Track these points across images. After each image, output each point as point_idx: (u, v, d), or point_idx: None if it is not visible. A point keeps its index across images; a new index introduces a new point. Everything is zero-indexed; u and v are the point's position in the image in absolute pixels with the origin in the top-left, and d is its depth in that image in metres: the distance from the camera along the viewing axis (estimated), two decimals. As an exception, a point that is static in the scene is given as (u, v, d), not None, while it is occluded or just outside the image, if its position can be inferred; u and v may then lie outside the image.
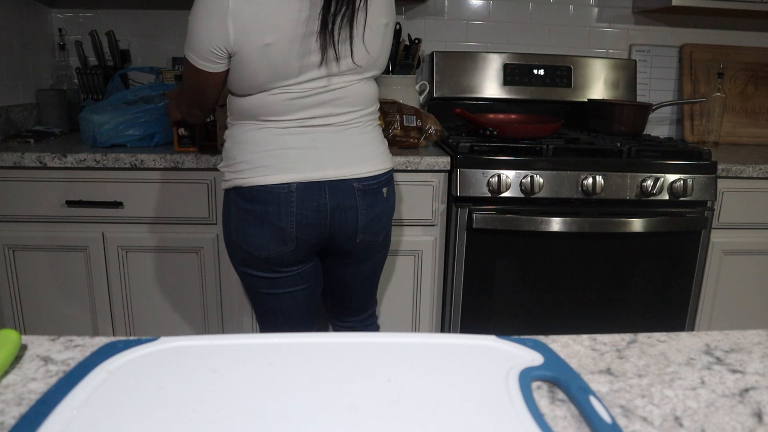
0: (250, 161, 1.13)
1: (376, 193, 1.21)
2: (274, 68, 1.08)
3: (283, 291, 1.25)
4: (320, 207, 1.14)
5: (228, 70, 1.12)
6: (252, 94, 1.12)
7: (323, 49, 1.09)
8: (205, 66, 1.10)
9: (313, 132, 1.14)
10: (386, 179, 1.23)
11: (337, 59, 1.11)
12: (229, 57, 1.09)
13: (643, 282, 1.65)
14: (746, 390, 0.48)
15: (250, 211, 1.14)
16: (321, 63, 1.10)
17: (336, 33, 1.08)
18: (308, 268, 1.24)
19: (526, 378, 0.47)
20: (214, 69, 1.11)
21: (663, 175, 1.57)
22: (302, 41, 1.07)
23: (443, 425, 0.41)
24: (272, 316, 1.29)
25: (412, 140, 1.65)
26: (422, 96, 1.96)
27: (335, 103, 1.14)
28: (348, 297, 1.37)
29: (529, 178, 1.52)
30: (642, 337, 0.57)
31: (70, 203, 1.52)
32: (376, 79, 1.27)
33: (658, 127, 2.23)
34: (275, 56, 1.07)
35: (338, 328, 1.45)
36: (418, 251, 1.62)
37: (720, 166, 1.62)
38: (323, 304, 1.46)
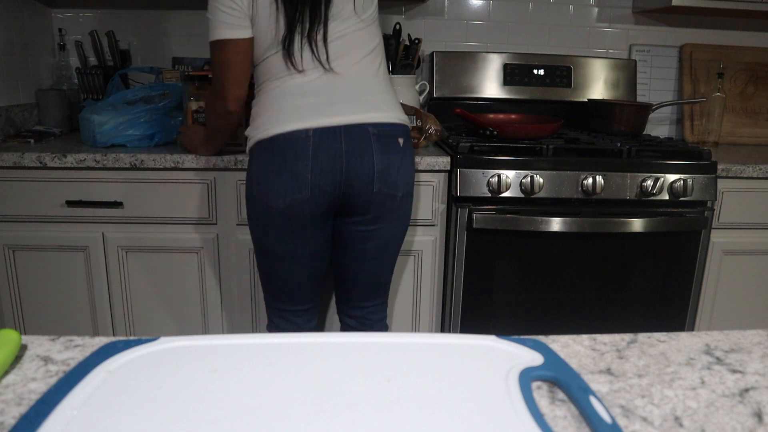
0: (270, 117, 1.19)
1: (392, 140, 1.22)
2: (269, 26, 1.17)
3: (293, 257, 1.27)
4: (336, 151, 1.17)
5: (251, 43, 1.20)
6: (267, 55, 1.20)
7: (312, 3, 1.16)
8: (226, 32, 1.18)
9: (327, 79, 1.20)
10: (401, 130, 1.24)
11: (328, 5, 1.18)
12: (250, 19, 1.18)
13: (643, 282, 1.65)
14: (746, 390, 0.48)
15: (270, 161, 1.18)
16: (315, 10, 1.17)
17: None
18: (320, 236, 1.26)
19: (526, 378, 0.47)
20: (236, 34, 1.18)
21: (663, 175, 1.57)
22: None
23: (443, 425, 0.41)
24: (279, 289, 1.32)
25: (412, 140, 1.65)
26: (422, 96, 1.96)
27: (343, 48, 1.20)
28: (361, 271, 1.34)
29: (529, 178, 1.52)
30: (642, 337, 0.57)
31: (70, 203, 1.52)
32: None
33: (658, 127, 2.23)
34: (267, 13, 1.16)
35: (347, 319, 1.43)
36: (418, 251, 1.62)
37: (720, 166, 1.62)
38: (334, 294, 1.46)
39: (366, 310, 1.40)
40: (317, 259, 1.30)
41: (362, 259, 1.32)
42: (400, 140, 1.23)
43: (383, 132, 1.21)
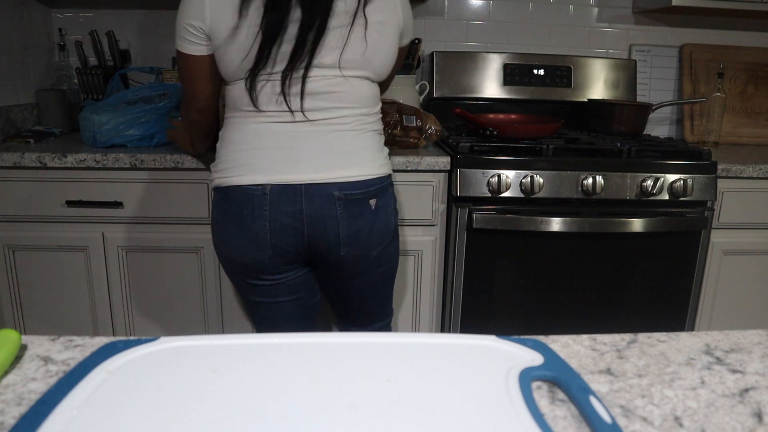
0: (230, 160, 1.10)
1: (361, 203, 1.10)
2: (246, 53, 1.05)
3: (271, 300, 1.19)
4: (296, 213, 1.07)
5: (212, 60, 1.10)
6: (236, 81, 1.09)
7: (298, 39, 1.04)
8: (185, 47, 1.10)
9: (295, 129, 1.07)
10: (376, 189, 1.11)
11: (314, 50, 1.04)
12: (208, 38, 1.08)
13: (643, 282, 1.65)
14: (746, 390, 0.48)
15: (228, 212, 1.10)
16: (295, 52, 1.04)
17: (314, 22, 1.03)
18: (295, 277, 1.18)
19: (526, 378, 0.47)
20: (193, 50, 1.10)
21: (663, 175, 1.57)
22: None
23: (443, 425, 0.41)
24: (266, 324, 1.24)
25: (412, 140, 1.65)
26: (422, 96, 1.96)
27: (317, 97, 1.07)
28: (351, 308, 1.28)
29: (529, 178, 1.52)
30: (642, 337, 0.57)
31: (70, 203, 1.52)
32: (381, 86, 1.21)
33: (658, 127, 2.23)
34: (248, 40, 1.04)
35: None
36: (418, 251, 1.62)
37: (720, 166, 1.62)
38: (331, 311, 1.45)
39: (366, 329, 1.35)
40: (300, 293, 1.22)
41: (347, 300, 1.25)
42: (372, 201, 1.11)
43: (350, 195, 1.08)
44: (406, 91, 1.84)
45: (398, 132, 1.63)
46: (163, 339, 0.52)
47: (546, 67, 2.07)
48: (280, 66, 1.06)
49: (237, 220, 1.09)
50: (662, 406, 0.46)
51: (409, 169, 1.54)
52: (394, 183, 1.55)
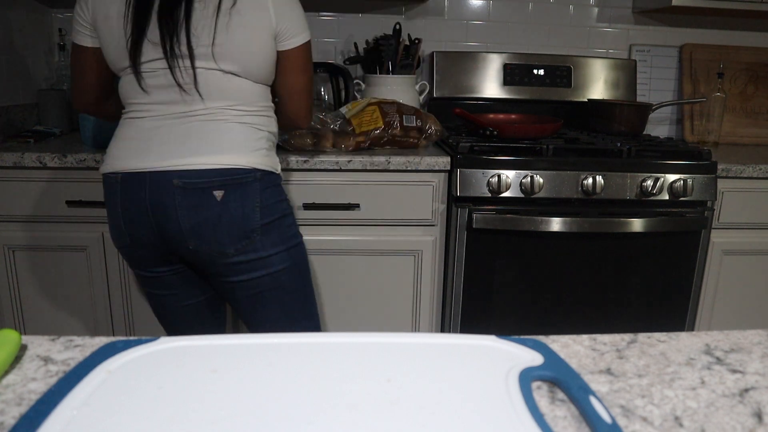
0: (107, 150, 1.13)
1: (204, 194, 1.05)
2: (117, 44, 1.06)
3: (153, 292, 1.20)
4: (142, 202, 1.06)
5: (98, 54, 1.12)
6: (119, 76, 1.12)
7: (160, 29, 1.04)
8: (75, 37, 1.12)
9: (157, 121, 1.08)
10: (222, 180, 1.05)
11: (174, 42, 1.04)
12: (93, 29, 1.10)
13: (643, 282, 1.65)
14: (746, 390, 0.48)
15: (105, 199, 1.13)
16: (160, 44, 1.04)
17: (176, 13, 1.03)
18: (170, 274, 1.18)
19: (526, 378, 0.47)
20: (80, 41, 1.12)
21: (663, 175, 1.57)
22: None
23: (443, 425, 0.41)
24: (157, 315, 1.26)
25: (412, 140, 1.65)
26: (422, 96, 1.96)
27: (172, 90, 1.07)
28: (245, 319, 1.20)
29: (529, 178, 1.52)
30: (642, 337, 0.57)
31: (70, 203, 1.52)
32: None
33: (658, 127, 2.23)
34: (116, 31, 1.06)
35: None
36: (418, 251, 1.62)
37: (720, 166, 1.62)
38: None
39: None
40: (174, 290, 1.20)
41: (235, 303, 1.18)
42: (217, 193, 1.05)
43: (191, 184, 1.04)
44: (406, 91, 1.84)
45: (398, 132, 1.63)
46: (163, 339, 0.52)
47: (546, 67, 2.07)
48: (146, 58, 1.07)
49: (107, 209, 1.13)
50: (662, 406, 0.46)
51: (409, 169, 1.54)
52: (388, 183, 1.55)
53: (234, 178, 1.06)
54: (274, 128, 1.18)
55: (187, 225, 1.06)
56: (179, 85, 1.06)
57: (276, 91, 1.19)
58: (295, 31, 1.13)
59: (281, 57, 1.14)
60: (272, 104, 1.19)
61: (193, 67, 1.06)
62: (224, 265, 1.11)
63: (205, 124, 1.07)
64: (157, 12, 1.04)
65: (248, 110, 1.11)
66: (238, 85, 1.10)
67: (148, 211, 1.07)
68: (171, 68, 1.05)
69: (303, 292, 1.21)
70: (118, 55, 1.08)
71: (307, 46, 1.16)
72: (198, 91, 1.07)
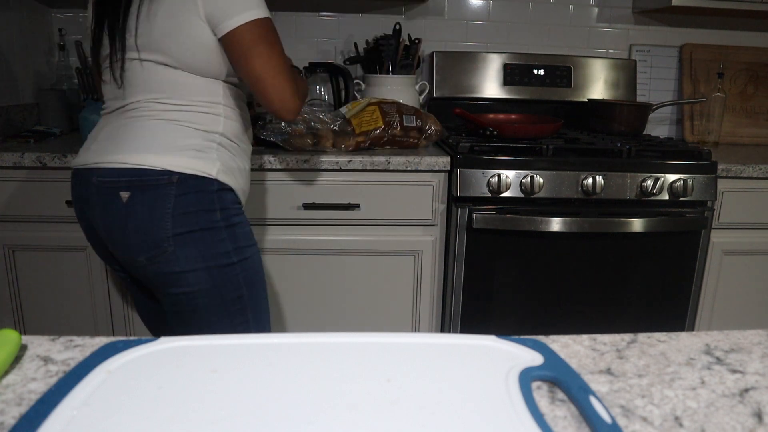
0: None
1: (111, 194, 0.99)
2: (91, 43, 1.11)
3: (127, 289, 1.22)
4: (76, 199, 1.08)
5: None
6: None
7: (97, 20, 1.06)
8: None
9: (105, 117, 1.10)
10: (129, 181, 0.98)
11: (115, 35, 1.03)
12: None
13: (643, 282, 1.65)
14: (746, 390, 0.48)
15: None
16: (105, 36, 1.06)
17: (118, 6, 1.02)
18: (123, 275, 1.18)
19: (526, 378, 0.47)
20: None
21: (663, 175, 1.57)
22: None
23: (443, 425, 0.41)
24: (139, 314, 1.29)
25: (411, 140, 1.65)
26: (422, 96, 1.96)
27: (113, 85, 1.07)
28: (175, 333, 1.11)
29: (529, 178, 1.52)
30: (642, 337, 0.57)
31: (70, 203, 1.52)
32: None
33: (658, 127, 2.23)
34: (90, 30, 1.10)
35: None
36: (418, 251, 1.62)
37: (720, 166, 1.62)
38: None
39: None
40: (132, 291, 1.21)
41: (169, 320, 1.11)
42: (124, 194, 0.98)
43: (104, 183, 1.00)
44: (406, 91, 1.84)
45: (398, 132, 1.63)
46: (163, 339, 0.52)
47: (546, 67, 2.07)
48: (103, 53, 1.08)
49: None
50: (662, 406, 0.46)
51: (409, 169, 1.54)
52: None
53: (142, 180, 0.97)
54: (224, 128, 1.07)
55: (101, 225, 1.03)
56: (114, 80, 1.06)
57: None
58: (231, 11, 0.98)
59: (223, 43, 1.01)
60: (228, 101, 1.08)
61: (122, 60, 1.03)
62: (143, 275, 1.05)
63: (131, 120, 1.03)
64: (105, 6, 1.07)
65: (179, 105, 1.02)
66: (167, 77, 1.02)
67: (84, 208, 1.07)
68: (111, 62, 1.05)
69: (229, 322, 1.07)
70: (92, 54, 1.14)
71: (250, 26, 1.00)
72: (123, 84, 1.04)
